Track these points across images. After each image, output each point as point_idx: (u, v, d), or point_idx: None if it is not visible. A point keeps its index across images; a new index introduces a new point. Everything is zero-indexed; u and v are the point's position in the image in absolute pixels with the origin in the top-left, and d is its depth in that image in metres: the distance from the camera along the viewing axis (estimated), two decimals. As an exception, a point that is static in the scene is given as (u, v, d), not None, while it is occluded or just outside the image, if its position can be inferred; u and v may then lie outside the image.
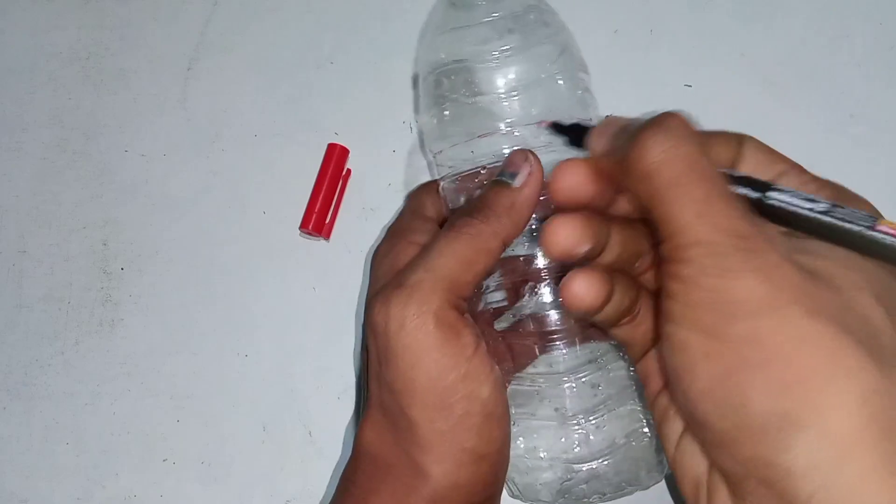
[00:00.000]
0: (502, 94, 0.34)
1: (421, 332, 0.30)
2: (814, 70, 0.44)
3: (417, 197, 0.39)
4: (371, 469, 0.32)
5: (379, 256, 0.35)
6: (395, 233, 0.36)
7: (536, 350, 0.35)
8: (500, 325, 0.36)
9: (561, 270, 0.34)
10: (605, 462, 0.34)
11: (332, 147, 0.44)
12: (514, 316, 0.36)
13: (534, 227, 0.34)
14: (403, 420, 0.31)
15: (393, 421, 0.31)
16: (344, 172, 0.44)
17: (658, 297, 0.29)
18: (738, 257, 0.24)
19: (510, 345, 0.36)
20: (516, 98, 0.34)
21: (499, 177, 0.33)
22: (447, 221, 0.33)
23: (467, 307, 0.32)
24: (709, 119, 0.44)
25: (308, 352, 0.42)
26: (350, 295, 0.43)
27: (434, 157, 0.38)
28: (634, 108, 0.44)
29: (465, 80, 0.35)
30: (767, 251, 0.24)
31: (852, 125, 0.44)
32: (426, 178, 0.44)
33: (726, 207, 0.25)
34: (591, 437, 0.34)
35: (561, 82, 0.36)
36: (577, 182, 0.29)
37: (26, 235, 0.45)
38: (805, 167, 0.44)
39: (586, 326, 0.34)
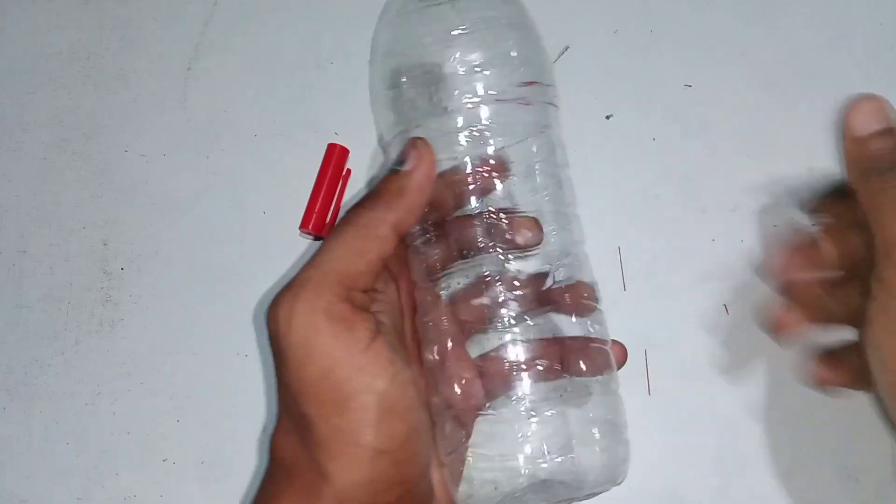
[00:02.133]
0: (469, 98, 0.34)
1: (309, 329, 0.29)
2: (814, 70, 0.44)
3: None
4: (279, 474, 0.32)
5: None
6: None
7: (511, 379, 0.33)
8: (474, 351, 0.34)
9: (530, 303, 0.33)
10: (558, 462, 0.32)
11: (332, 147, 0.44)
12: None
13: (508, 257, 0.34)
14: (303, 419, 0.30)
15: (296, 423, 0.31)
16: (344, 172, 0.44)
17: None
18: None
19: (482, 371, 0.34)
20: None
21: (390, 167, 0.33)
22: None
23: (368, 301, 0.32)
24: (709, 119, 0.44)
25: (308, 352, 0.42)
26: (350, 295, 0.43)
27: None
28: (634, 108, 0.45)
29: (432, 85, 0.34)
30: None
31: (852, 125, 0.44)
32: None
33: None
34: (545, 439, 0.32)
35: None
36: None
37: (26, 235, 0.45)
38: (805, 167, 0.44)
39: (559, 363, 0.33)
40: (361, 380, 0.29)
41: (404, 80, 0.35)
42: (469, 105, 0.34)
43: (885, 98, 0.34)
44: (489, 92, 0.34)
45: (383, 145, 0.38)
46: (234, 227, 0.44)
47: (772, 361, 0.41)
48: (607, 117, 0.45)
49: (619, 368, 0.36)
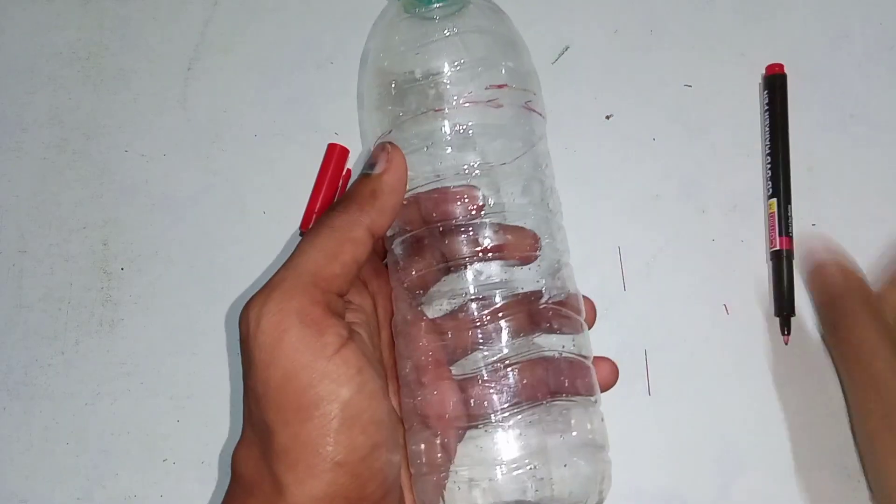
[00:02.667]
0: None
1: (277, 329, 0.28)
2: (814, 70, 0.44)
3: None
4: (238, 491, 0.30)
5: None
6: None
7: (491, 399, 0.32)
8: (457, 370, 0.33)
9: (520, 326, 0.33)
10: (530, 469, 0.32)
11: (332, 147, 0.44)
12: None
13: (478, 268, 0.33)
14: (264, 428, 0.29)
15: (258, 433, 0.29)
16: (344, 172, 0.44)
17: None
18: None
19: (463, 390, 0.32)
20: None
21: (362, 171, 0.33)
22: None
23: (343, 307, 0.31)
24: (709, 119, 0.44)
25: (308, 352, 0.42)
26: (350, 295, 0.43)
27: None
28: (634, 108, 0.45)
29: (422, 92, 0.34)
30: None
31: (852, 125, 0.44)
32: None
33: None
34: (523, 460, 0.32)
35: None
36: None
37: (26, 235, 0.45)
38: (804, 167, 0.44)
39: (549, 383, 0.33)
40: (326, 387, 0.28)
41: (393, 85, 0.35)
42: (446, 108, 0.33)
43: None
44: (463, 94, 0.33)
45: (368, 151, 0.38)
46: (234, 227, 0.44)
47: (772, 361, 0.41)
48: (607, 117, 0.45)
49: (610, 387, 0.36)
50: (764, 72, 0.44)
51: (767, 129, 0.43)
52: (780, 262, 0.41)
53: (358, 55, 0.46)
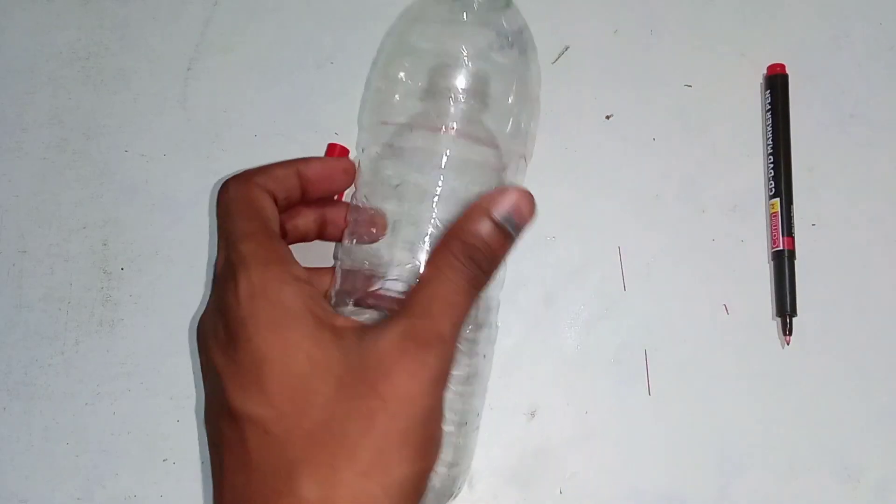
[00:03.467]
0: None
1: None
2: (814, 70, 0.44)
3: (250, 206, 0.34)
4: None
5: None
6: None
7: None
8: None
9: None
10: None
11: (332, 147, 0.44)
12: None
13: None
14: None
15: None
16: (344, 172, 0.44)
17: None
18: None
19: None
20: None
21: (503, 222, 0.30)
22: (449, 261, 0.30)
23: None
24: (709, 119, 0.44)
25: (308, 352, 0.42)
26: (350, 295, 0.43)
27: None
28: (634, 108, 0.45)
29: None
30: None
31: (852, 125, 0.44)
32: (426, 178, 0.44)
33: None
34: None
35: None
36: None
37: (26, 235, 0.45)
38: (805, 167, 0.44)
39: None
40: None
41: (401, 74, 0.35)
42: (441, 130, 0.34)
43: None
44: (460, 125, 0.34)
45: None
46: (234, 227, 0.44)
47: (772, 361, 0.41)
48: (607, 117, 0.45)
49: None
50: (765, 72, 0.44)
51: (769, 129, 0.43)
52: (783, 262, 0.41)
53: (358, 55, 0.46)
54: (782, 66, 0.43)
